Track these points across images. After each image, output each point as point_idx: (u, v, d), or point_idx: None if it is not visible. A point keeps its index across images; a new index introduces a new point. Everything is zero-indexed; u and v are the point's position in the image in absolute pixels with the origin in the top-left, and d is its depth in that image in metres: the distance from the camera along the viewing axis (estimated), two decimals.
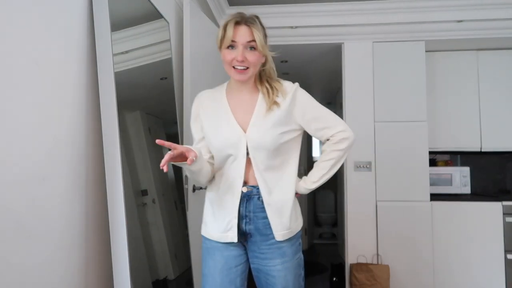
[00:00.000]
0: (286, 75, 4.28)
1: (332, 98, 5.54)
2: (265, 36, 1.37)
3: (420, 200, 3.14)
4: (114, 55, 1.46)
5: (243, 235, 1.37)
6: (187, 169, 1.31)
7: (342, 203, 4.04)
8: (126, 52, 1.64)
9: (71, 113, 1.34)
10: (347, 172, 3.24)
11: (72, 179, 1.34)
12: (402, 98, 3.21)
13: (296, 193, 1.42)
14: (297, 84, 1.41)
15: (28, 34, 1.14)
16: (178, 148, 1.18)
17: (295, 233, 1.39)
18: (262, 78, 1.42)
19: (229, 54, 1.32)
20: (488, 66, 3.38)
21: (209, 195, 1.45)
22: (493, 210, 3.08)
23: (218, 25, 2.92)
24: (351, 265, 3.10)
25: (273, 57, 1.42)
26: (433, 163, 3.47)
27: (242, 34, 1.32)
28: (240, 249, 1.40)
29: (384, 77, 3.24)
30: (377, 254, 3.13)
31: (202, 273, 1.43)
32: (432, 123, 3.34)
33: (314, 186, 1.42)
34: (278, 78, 1.44)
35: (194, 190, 2.17)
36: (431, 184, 3.23)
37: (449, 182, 3.35)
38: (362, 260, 3.13)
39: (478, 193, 3.58)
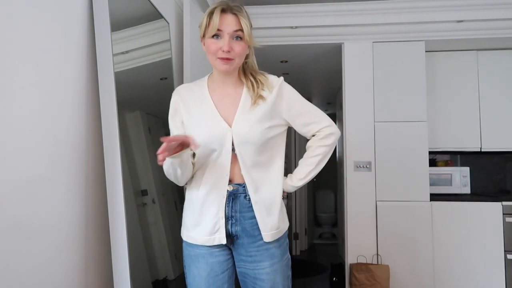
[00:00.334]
0: (286, 75, 4.28)
1: (332, 98, 5.54)
2: (251, 26, 1.29)
3: (420, 200, 3.14)
4: (114, 55, 1.46)
5: (229, 237, 1.29)
6: (177, 162, 1.21)
7: (342, 203, 4.04)
8: (126, 52, 1.64)
9: (71, 113, 1.34)
10: (347, 172, 3.24)
11: (72, 179, 1.34)
12: (402, 98, 3.21)
13: (283, 192, 1.36)
14: (282, 78, 1.36)
15: (28, 34, 1.14)
16: (179, 138, 1.13)
17: (283, 233, 1.34)
18: (246, 71, 1.36)
19: (214, 44, 1.25)
20: (488, 66, 3.38)
21: (191, 196, 1.35)
22: (493, 210, 3.08)
23: None
24: (351, 265, 3.10)
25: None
26: (433, 163, 3.47)
27: (229, 23, 1.24)
28: (226, 253, 1.32)
29: (384, 77, 3.24)
30: (377, 254, 3.13)
31: (187, 283, 1.35)
32: (432, 123, 3.34)
33: (301, 183, 1.37)
34: (262, 71, 1.38)
35: None
36: (431, 184, 3.23)
37: (449, 182, 3.35)
38: (362, 260, 3.13)
39: (478, 193, 3.58)
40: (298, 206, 5.19)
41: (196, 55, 2.28)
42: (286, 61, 3.82)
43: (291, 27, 3.22)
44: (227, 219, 1.28)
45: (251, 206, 1.29)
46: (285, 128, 1.37)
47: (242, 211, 1.29)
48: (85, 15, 1.43)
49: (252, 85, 1.32)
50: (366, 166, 3.21)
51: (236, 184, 1.30)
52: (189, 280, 1.33)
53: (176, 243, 1.97)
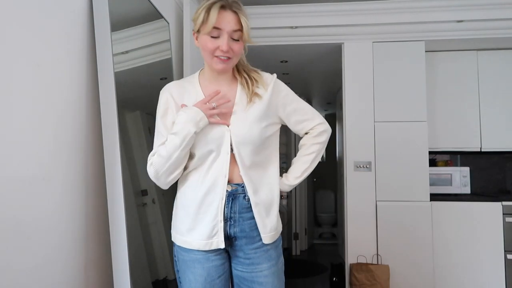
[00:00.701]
0: (286, 75, 4.28)
1: (332, 98, 5.54)
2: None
3: (420, 200, 3.13)
4: (114, 55, 1.46)
5: (226, 239, 1.25)
6: (181, 150, 1.19)
7: (342, 203, 4.04)
8: (126, 52, 1.64)
9: (71, 113, 1.34)
10: (347, 172, 3.24)
11: (72, 179, 1.34)
12: (402, 98, 3.21)
13: (281, 192, 1.33)
14: (275, 75, 1.34)
15: (28, 35, 1.14)
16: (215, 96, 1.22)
17: (279, 234, 1.33)
18: (239, 67, 1.32)
19: (211, 42, 1.19)
20: (488, 66, 3.38)
21: (184, 199, 1.28)
22: (493, 210, 3.08)
23: None
24: (351, 265, 3.10)
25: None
26: (433, 163, 3.47)
27: (229, 21, 1.18)
28: (223, 257, 1.28)
29: (384, 77, 3.24)
30: (377, 254, 3.13)
31: None
32: (432, 123, 3.34)
33: (297, 181, 1.35)
34: (255, 68, 1.35)
35: None
36: (431, 184, 3.22)
37: (449, 182, 3.35)
38: (362, 260, 3.13)
39: (478, 193, 3.58)
40: (298, 206, 5.19)
41: (196, 55, 2.29)
42: (286, 61, 3.82)
43: (291, 27, 3.22)
44: (225, 220, 1.24)
45: (250, 207, 1.26)
46: (279, 126, 1.36)
47: (241, 211, 1.26)
48: (85, 15, 1.43)
49: (247, 82, 1.28)
50: (366, 166, 3.21)
51: (235, 184, 1.26)
52: (185, 286, 1.28)
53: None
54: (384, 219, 3.15)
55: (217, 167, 1.24)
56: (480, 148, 3.36)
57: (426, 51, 3.24)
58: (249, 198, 1.26)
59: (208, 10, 1.17)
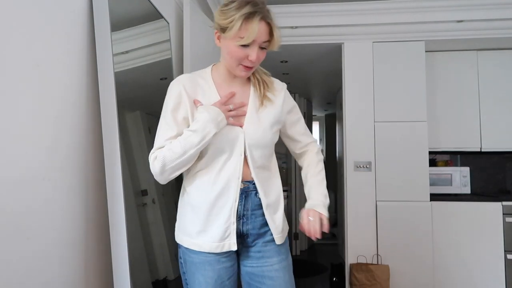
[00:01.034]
0: (286, 75, 4.27)
1: (332, 98, 5.54)
2: None
3: (420, 200, 3.14)
4: (114, 55, 1.46)
5: (238, 237, 1.25)
6: (199, 146, 1.18)
7: (342, 203, 4.04)
8: (126, 52, 1.64)
9: (71, 113, 1.34)
10: (347, 172, 3.24)
11: (72, 179, 1.34)
12: (402, 98, 3.21)
13: (326, 219, 1.27)
14: (285, 84, 1.39)
15: (28, 35, 1.14)
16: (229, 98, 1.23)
17: (286, 232, 1.36)
18: None
19: (241, 51, 1.17)
20: (488, 66, 3.38)
21: (193, 201, 1.26)
22: (493, 210, 3.08)
23: None
24: (351, 265, 3.10)
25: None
26: (433, 163, 3.47)
27: (262, 32, 1.16)
28: (232, 258, 1.28)
29: (384, 77, 3.24)
30: (377, 254, 3.13)
31: None
32: (432, 123, 3.34)
33: (328, 200, 1.33)
34: (264, 70, 1.36)
35: None
36: (431, 184, 3.23)
37: (449, 182, 3.35)
38: (362, 260, 3.13)
39: (478, 193, 3.58)
40: (298, 206, 5.19)
41: (196, 55, 2.28)
42: (286, 61, 3.82)
43: (291, 27, 3.22)
44: (238, 218, 1.25)
45: (260, 204, 1.27)
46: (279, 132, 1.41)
47: (254, 208, 1.26)
48: (85, 15, 1.43)
49: (259, 84, 1.31)
50: (366, 166, 3.21)
51: (247, 181, 1.26)
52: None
53: (176, 243, 1.97)
54: (384, 219, 3.15)
55: (229, 169, 1.23)
56: (480, 148, 3.36)
57: (426, 51, 3.25)
58: (260, 198, 1.27)
59: (247, 20, 1.13)
